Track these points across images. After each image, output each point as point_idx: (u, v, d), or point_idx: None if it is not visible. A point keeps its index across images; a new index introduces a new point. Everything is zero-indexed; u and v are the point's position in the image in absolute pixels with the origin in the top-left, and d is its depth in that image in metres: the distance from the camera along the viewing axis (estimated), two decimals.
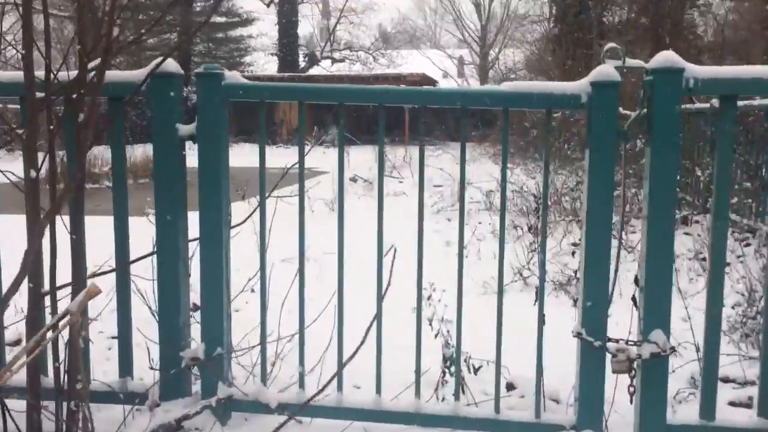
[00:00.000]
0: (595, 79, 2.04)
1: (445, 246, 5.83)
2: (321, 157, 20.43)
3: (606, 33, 22.29)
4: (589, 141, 2.06)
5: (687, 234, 5.90)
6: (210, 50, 31.21)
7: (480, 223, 7.05)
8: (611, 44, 2.07)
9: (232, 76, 2.19)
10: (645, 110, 2.05)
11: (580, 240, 2.33)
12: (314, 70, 31.58)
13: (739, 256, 4.90)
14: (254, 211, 2.39)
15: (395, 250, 2.23)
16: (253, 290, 3.10)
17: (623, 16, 23.51)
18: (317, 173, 15.56)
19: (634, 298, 2.14)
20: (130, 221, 2.34)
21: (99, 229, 2.81)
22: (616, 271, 2.14)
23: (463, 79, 37.76)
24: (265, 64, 33.11)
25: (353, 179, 10.94)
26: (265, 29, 32.12)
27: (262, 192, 2.27)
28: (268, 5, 30.49)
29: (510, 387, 2.63)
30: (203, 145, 2.20)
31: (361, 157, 15.69)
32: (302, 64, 30.03)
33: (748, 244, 5.02)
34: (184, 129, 2.21)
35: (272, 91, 2.24)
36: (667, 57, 1.98)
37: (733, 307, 3.85)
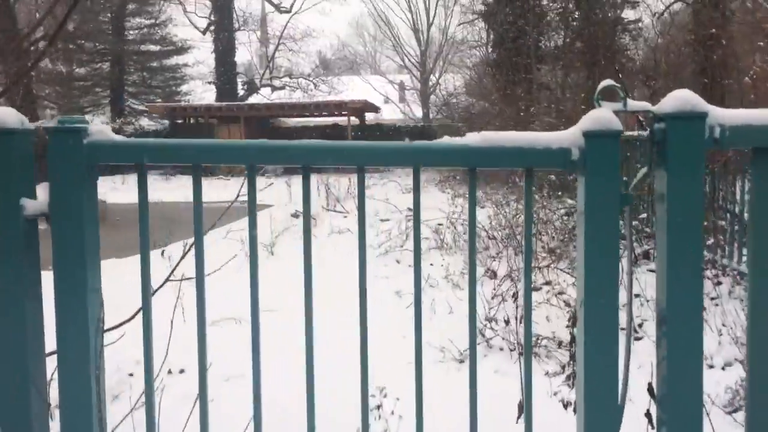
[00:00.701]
0: (590, 128, 1.53)
1: (395, 296, 5.26)
2: (262, 186, 19.66)
3: (543, 57, 22.58)
4: (584, 206, 1.55)
5: (652, 271, 5.52)
6: (144, 79, 30.17)
7: (431, 264, 6.46)
8: (607, 81, 1.57)
9: (99, 132, 1.59)
10: (651, 166, 1.55)
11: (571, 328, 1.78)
12: (254, 98, 30.88)
13: (713, 298, 4.52)
14: (135, 314, 1.78)
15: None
16: None
17: (559, 41, 23.86)
18: (260, 205, 14.78)
19: (648, 415, 1.62)
20: None
21: None
22: (627, 368, 1.62)
23: (405, 103, 37.70)
24: (203, 92, 32.24)
25: (295, 215, 10.26)
26: (201, 57, 31.31)
27: (146, 310, 1.66)
28: (204, 33, 29.72)
29: None
30: (59, 227, 1.59)
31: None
32: (241, 92, 29.25)
33: (719, 283, 4.65)
34: (33, 205, 1.59)
35: (156, 151, 1.65)
36: (684, 98, 1.49)
37: (724, 368, 3.41)
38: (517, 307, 4.19)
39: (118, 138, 1.61)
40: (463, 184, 15.24)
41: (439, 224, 8.63)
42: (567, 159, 1.55)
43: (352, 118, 24.49)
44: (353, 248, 7.54)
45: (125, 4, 27.75)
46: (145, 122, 28.19)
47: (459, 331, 4.00)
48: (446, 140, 1.62)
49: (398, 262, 6.96)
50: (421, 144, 1.61)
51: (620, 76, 20.57)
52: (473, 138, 1.58)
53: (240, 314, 4.13)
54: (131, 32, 29.33)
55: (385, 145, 1.63)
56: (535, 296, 4.91)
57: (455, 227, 7.55)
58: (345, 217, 10.26)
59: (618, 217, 1.54)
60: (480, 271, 6.02)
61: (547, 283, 5.08)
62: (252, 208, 1.68)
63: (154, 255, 5.63)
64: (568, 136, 1.57)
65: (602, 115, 1.55)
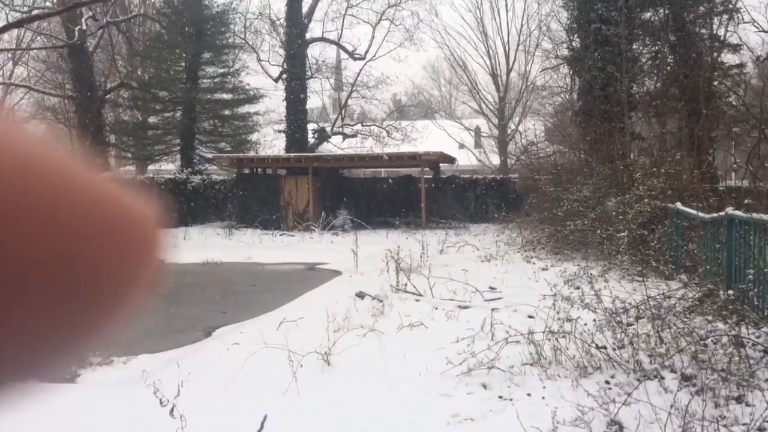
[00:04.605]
0: None
1: None
2: (329, 247, 17.94)
3: (636, 105, 20.67)
4: None
5: None
6: (216, 127, 29.91)
7: (529, 395, 4.72)
8: None
9: None
10: None
11: None
12: (325, 146, 30.08)
13: None
14: None
15: None
16: None
17: (651, 86, 21.89)
18: (324, 273, 12.83)
19: None
20: None
21: None
22: None
23: (481, 149, 36.11)
24: (273, 140, 31.70)
25: (359, 295, 8.72)
26: (272, 105, 30.87)
27: None
28: (276, 81, 29.31)
29: None
30: None
31: (371, 249, 13.19)
32: (312, 141, 28.47)
33: None
34: None
35: None
36: None
37: None
38: None
39: None
40: (551, 254, 13.27)
41: (530, 317, 6.95)
42: None
43: (426, 168, 23.09)
44: (430, 356, 5.56)
45: (200, 53, 27.69)
46: (213, 171, 27.79)
47: None
48: None
49: (485, 387, 5.02)
50: None
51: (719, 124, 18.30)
52: None
53: None
54: (204, 81, 29.23)
55: None
56: None
57: (556, 337, 5.68)
58: (417, 300, 8.60)
59: None
60: (597, 423, 4.23)
61: None
62: None
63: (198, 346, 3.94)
64: None
65: None
